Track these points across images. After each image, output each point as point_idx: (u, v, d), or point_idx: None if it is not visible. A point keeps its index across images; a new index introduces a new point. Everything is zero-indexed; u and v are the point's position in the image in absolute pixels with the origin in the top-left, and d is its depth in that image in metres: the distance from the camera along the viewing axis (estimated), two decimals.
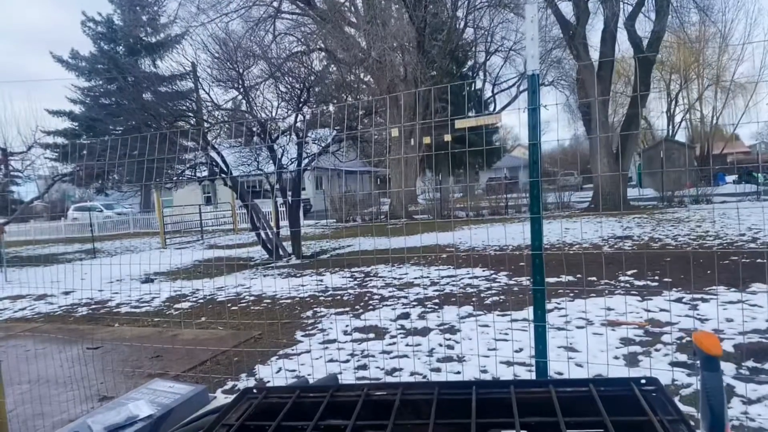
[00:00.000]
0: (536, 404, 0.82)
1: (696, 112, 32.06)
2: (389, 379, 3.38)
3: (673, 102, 33.50)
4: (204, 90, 9.88)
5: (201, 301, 6.67)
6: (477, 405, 0.81)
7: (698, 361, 0.83)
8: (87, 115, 25.12)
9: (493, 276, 6.73)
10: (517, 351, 3.66)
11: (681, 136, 33.00)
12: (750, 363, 3.26)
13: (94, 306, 6.92)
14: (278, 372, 3.71)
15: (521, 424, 0.77)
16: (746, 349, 3.42)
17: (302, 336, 4.62)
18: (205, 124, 9.62)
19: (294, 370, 3.71)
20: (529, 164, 1.86)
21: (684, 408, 2.67)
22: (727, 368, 3.19)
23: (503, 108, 33.39)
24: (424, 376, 3.37)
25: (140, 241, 18.47)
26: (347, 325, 4.74)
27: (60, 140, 24.71)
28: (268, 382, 3.50)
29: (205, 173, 10.33)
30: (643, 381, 0.84)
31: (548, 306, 4.83)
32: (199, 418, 1.11)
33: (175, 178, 9.96)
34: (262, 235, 10.22)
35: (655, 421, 0.73)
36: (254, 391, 0.97)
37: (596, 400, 0.79)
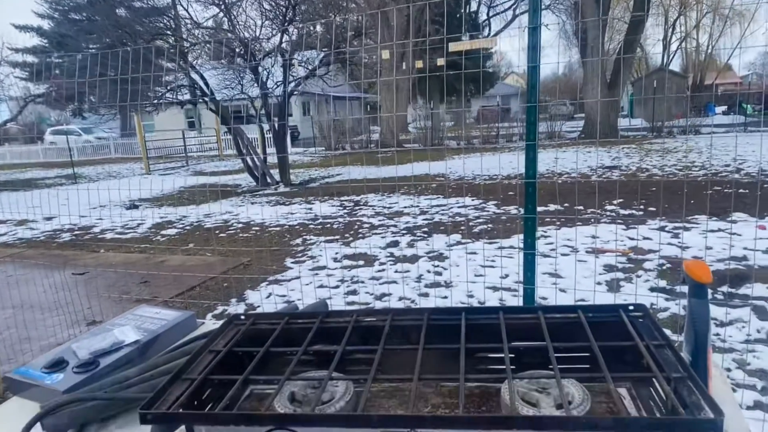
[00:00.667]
0: (525, 329, 0.83)
1: (692, 40, 31.29)
2: (379, 304, 3.47)
3: (671, 29, 32.56)
4: (182, 6, 9.33)
5: (188, 227, 6.67)
6: (466, 330, 0.82)
7: (686, 288, 0.84)
8: (56, 31, 23.78)
9: (483, 205, 6.77)
10: (503, 277, 3.75)
11: (675, 65, 32.41)
12: (725, 288, 3.38)
13: (77, 232, 6.90)
14: (268, 297, 3.78)
15: (510, 348, 0.78)
16: (723, 276, 3.54)
17: (292, 263, 4.68)
18: (185, 44, 9.17)
19: (284, 296, 3.78)
20: (527, 88, 1.79)
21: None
22: None
23: (499, 32, 32.24)
24: (413, 301, 3.46)
25: (122, 166, 18.17)
26: (337, 253, 4.79)
27: (30, 58, 23.56)
28: (258, 307, 3.57)
29: (187, 96, 9.99)
30: (630, 307, 0.85)
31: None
32: (186, 344, 1.11)
33: (155, 101, 9.63)
34: (248, 161, 10.08)
35: (641, 345, 0.74)
36: (242, 317, 0.96)
37: (584, 325, 0.80)
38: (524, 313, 0.85)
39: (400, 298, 3.49)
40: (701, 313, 0.83)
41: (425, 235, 5.30)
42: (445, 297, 3.42)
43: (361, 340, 0.88)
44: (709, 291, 3.51)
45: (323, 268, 4.38)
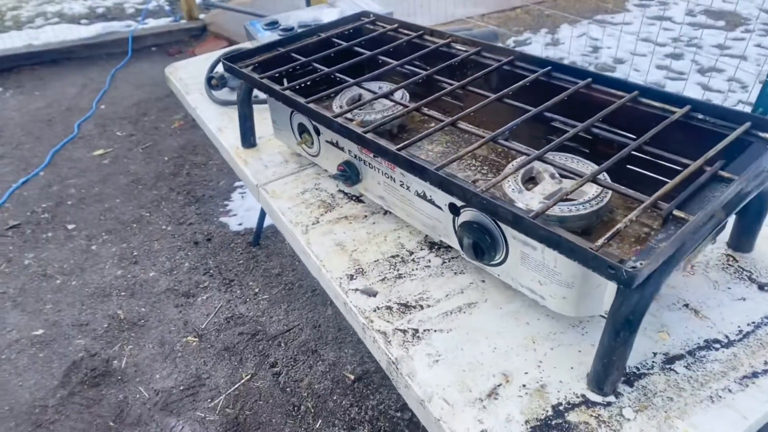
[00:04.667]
0: (602, 107, 0.67)
1: None
2: (696, 77, 2.86)
3: None
4: None
5: None
6: (531, 87, 0.71)
7: None
8: None
9: None
10: None
11: None
12: None
13: None
14: (579, 37, 3.50)
15: (554, 122, 0.67)
16: None
17: (634, 5, 4.04)
18: None
19: (596, 39, 3.44)
20: None
21: None
22: None
23: None
24: (744, 86, 2.73)
25: None
26: (698, 4, 3.86)
27: None
28: (555, 46, 3.37)
29: None
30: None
31: None
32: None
33: None
34: None
35: (695, 164, 0.54)
36: (371, 15, 1.02)
37: (666, 124, 0.60)
38: (616, 88, 0.67)
39: (729, 79, 2.77)
40: None
41: None
42: None
43: (446, 67, 0.86)
44: None
45: (666, 19, 3.66)
